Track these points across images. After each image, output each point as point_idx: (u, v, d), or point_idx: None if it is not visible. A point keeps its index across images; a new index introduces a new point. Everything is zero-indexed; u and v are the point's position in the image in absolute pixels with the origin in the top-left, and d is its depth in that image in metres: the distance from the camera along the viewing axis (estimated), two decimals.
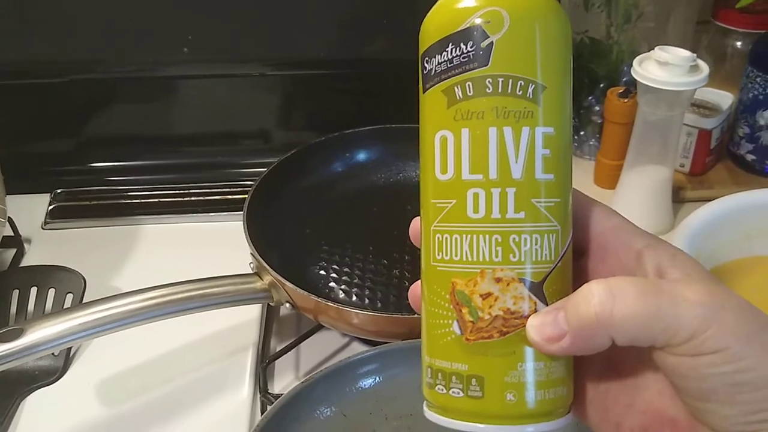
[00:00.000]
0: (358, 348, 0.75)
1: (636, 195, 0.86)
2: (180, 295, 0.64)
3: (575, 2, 0.92)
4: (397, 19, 0.89)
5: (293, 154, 0.87)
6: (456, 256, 0.33)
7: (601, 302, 0.31)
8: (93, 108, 0.97)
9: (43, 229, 0.91)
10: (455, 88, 0.33)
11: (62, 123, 0.98)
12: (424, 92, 0.35)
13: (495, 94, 0.32)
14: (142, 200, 0.94)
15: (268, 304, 0.77)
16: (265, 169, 0.84)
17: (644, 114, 0.82)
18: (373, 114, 0.88)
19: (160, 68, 0.96)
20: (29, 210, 0.92)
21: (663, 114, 0.80)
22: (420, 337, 0.36)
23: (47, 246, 0.88)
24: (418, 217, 0.36)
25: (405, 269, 0.80)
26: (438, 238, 0.34)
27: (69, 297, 0.78)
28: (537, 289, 0.33)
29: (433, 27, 0.34)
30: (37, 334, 0.58)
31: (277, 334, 0.78)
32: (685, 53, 0.76)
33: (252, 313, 0.77)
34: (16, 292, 0.78)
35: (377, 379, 0.65)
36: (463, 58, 0.32)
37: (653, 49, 0.78)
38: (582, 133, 0.99)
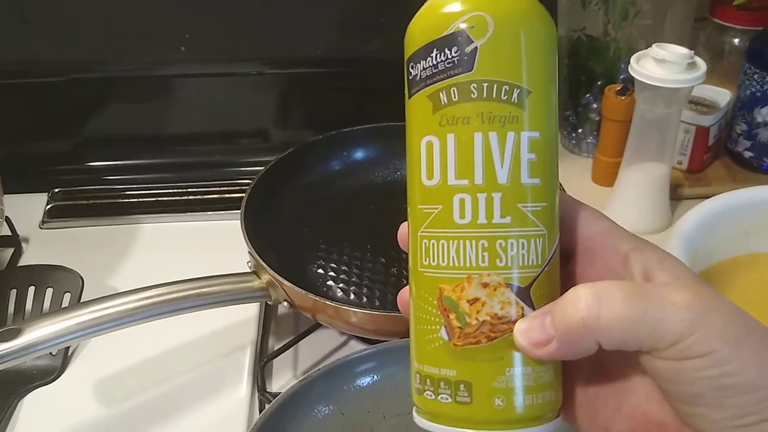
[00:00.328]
0: (356, 346, 0.75)
1: (634, 192, 0.86)
2: (178, 294, 0.64)
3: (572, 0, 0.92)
4: (394, 18, 0.89)
5: (291, 153, 0.87)
6: (443, 261, 0.33)
7: (587, 306, 0.31)
8: (91, 107, 0.97)
9: (40, 228, 0.91)
10: (440, 93, 0.33)
11: (60, 122, 0.98)
12: (409, 98, 0.35)
13: (480, 99, 0.32)
14: (140, 199, 0.94)
15: (266, 303, 0.77)
16: (263, 168, 0.84)
17: (642, 111, 0.81)
18: (371, 112, 0.88)
19: (158, 67, 0.96)
20: (27, 209, 0.92)
21: (660, 111, 0.80)
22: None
23: (45, 245, 0.88)
24: (406, 222, 0.36)
25: (403, 267, 0.80)
26: (425, 243, 0.34)
27: (67, 296, 0.78)
28: (524, 294, 0.33)
29: (417, 32, 0.34)
30: (35, 333, 0.58)
31: (275, 333, 0.78)
32: (683, 50, 0.76)
33: (250, 311, 0.77)
34: (13, 292, 0.78)
35: (375, 377, 0.65)
36: (447, 63, 0.32)
37: (651, 46, 0.78)
38: (580, 130, 0.99)
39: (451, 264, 0.33)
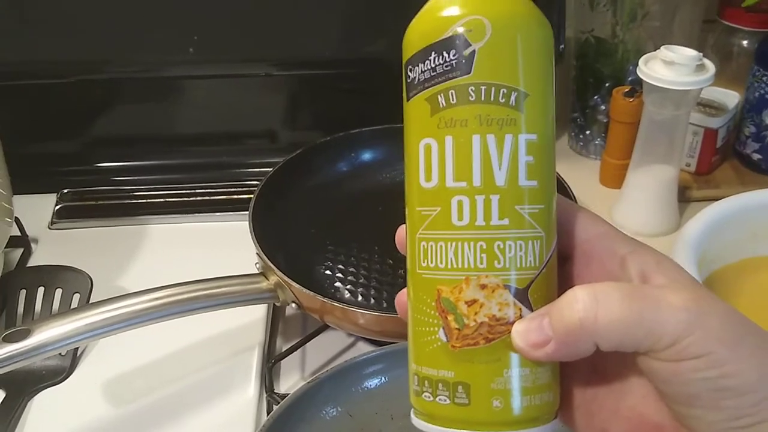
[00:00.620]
0: (363, 348, 0.75)
1: (642, 195, 0.86)
2: (186, 296, 0.65)
3: (581, 1, 0.92)
4: (402, 19, 0.89)
5: (299, 154, 0.88)
6: (441, 263, 0.33)
7: (585, 308, 0.31)
8: (99, 108, 0.98)
9: (49, 229, 0.91)
10: (438, 96, 0.33)
11: (69, 123, 0.98)
12: (408, 100, 0.35)
13: (478, 102, 0.32)
14: (149, 200, 0.95)
15: (274, 304, 0.77)
16: (271, 169, 0.84)
17: (650, 113, 0.81)
18: (378, 114, 0.88)
19: (165, 68, 0.96)
20: (36, 210, 0.92)
21: (669, 113, 0.80)
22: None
23: (54, 246, 0.88)
24: (404, 225, 0.36)
25: None
26: (423, 245, 0.34)
27: (76, 297, 0.79)
28: (522, 296, 0.33)
29: (415, 36, 0.34)
30: (45, 334, 0.58)
31: (283, 334, 0.78)
32: (691, 52, 0.76)
33: (258, 313, 0.77)
34: (23, 292, 0.79)
35: (383, 379, 0.65)
36: (445, 66, 0.33)
37: (659, 48, 0.78)
38: (587, 132, 0.99)
39: (449, 265, 0.33)
